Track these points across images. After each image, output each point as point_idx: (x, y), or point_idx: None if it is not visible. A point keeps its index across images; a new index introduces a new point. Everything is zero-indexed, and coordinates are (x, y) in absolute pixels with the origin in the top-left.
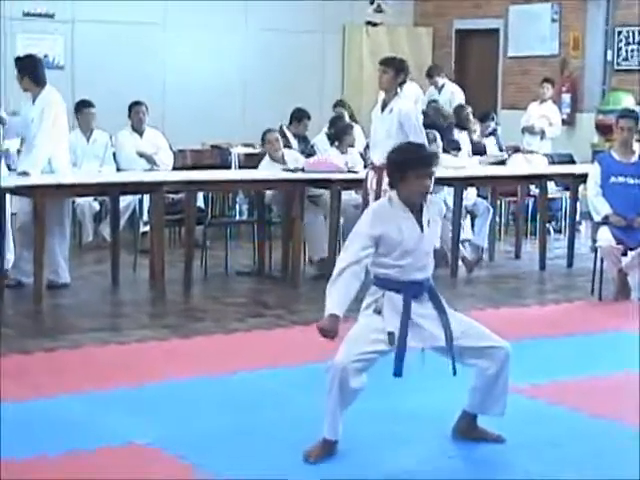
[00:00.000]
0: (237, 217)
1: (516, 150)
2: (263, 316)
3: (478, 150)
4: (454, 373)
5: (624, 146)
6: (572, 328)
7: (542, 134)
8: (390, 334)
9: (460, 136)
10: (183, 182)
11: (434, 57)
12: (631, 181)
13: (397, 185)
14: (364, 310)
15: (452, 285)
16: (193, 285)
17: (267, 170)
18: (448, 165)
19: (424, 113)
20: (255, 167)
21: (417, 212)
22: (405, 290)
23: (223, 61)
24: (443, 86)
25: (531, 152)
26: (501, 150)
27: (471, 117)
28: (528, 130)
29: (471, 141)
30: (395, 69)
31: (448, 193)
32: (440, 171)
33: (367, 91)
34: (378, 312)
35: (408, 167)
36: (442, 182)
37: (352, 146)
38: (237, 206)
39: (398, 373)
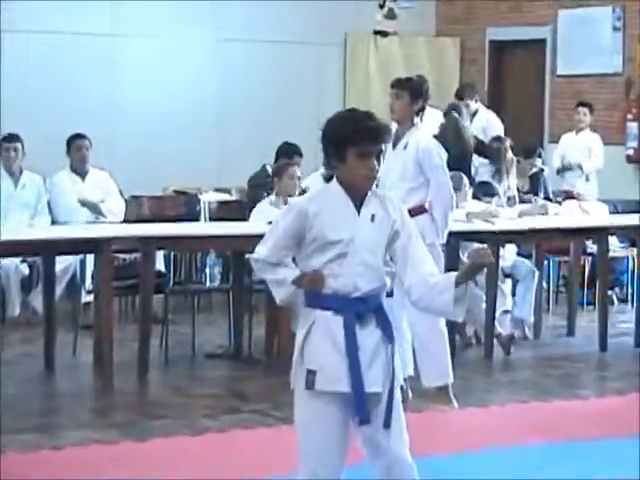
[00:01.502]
0: (207, 283)
1: (568, 196)
2: (241, 412)
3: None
4: (387, 426)
5: None
6: None
7: (581, 170)
8: (310, 374)
9: (503, 177)
10: (138, 238)
11: (462, 76)
12: None
13: (335, 167)
14: (299, 356)
15: (486, 370)
16: (150, 371)
17: (264, 219)
18: (477, 214)
19: (442, 125)
20: (231, 219)
21: (360, 204)
22: (344, 308)
23: (191, 82)
24: (476, 112)
25: (574, 197)
26: (547, 197)
27: (510, 154)
28: (567, 170)
29: (518, 188)
30: (411, 93)
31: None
32: (468, 223)
33: None
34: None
35: (347, 143)
36: (471, 237)
37: None
38: (207, 269)
39: (364, 420)
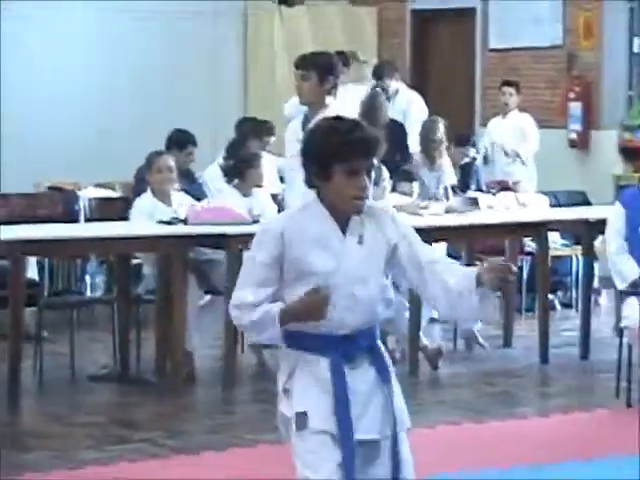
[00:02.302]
0: (88, 294)
1: (503, 187)
2: (129, 441)
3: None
4: (395, 477)
5: None
6: (589, 449)
7: (519, 159)
8: (300, 415)
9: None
10: (5, 242)
11: (380, 51)
12: None
13: (318, 184)
14: (283, 404)
15: (412, 388)
16: (22, 397)
17: (147, 218)
18: (402, 207)
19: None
20: (115, 219)
21: (345, 225)
22: (330, 349)
23: (65, 62)
24: (397, 93)
25: (510, 188)
26: (479, 189)
27: (440, 134)
28: (489, 161)
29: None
30: (320, 71)
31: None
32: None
33: (281, 102)
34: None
35: (333, 157)
36: None
37: (259, 185)
38: (88, 278)
39: (349, 474)
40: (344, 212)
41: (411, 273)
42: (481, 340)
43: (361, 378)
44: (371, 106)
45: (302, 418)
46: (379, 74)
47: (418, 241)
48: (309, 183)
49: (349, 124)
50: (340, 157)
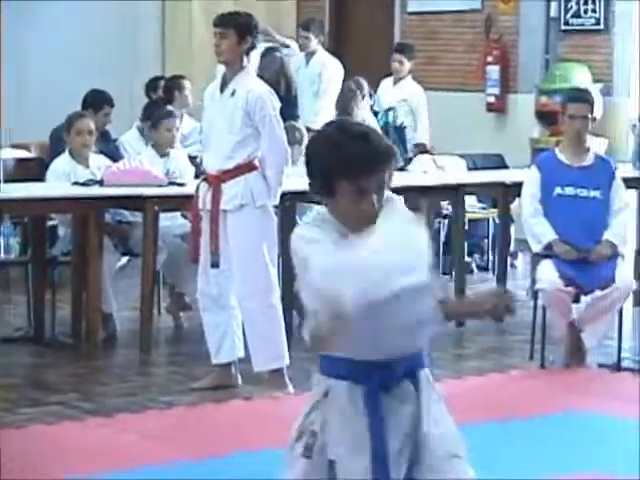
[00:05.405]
0: (2, 255)
1: (422, 150)
2: (43, 404)
3: None
4: None
5: (575, 143)
6: (504, 410)
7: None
8: (331, 463)
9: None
10: None
11: (299, 15)
12: (584, 193)
13: (327, 199)
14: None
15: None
16: None
17: (64, 179)
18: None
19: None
20: (30, 180)
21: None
22: (365, 377)
23: None
24: (314, 54)
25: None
26: (405, 151)
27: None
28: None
29: None
30: (239, 30)
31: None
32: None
33: (199, 64)
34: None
35: (340, 173)
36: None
37: (172, 146)
38: (2, 239)
39: None
40: (359, 228)
41: None
42: None
43: (398, 406)
44: (282, 69)
45: (333, 469)
46: (307, 26)
47: None
48: (315, 198)
49: (356, 133)
50: (346, 172)
